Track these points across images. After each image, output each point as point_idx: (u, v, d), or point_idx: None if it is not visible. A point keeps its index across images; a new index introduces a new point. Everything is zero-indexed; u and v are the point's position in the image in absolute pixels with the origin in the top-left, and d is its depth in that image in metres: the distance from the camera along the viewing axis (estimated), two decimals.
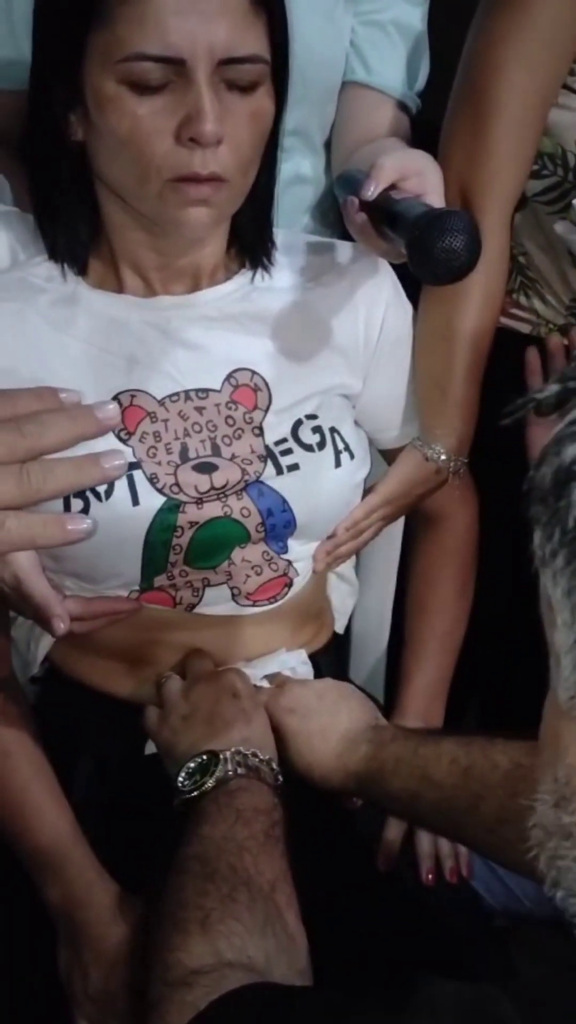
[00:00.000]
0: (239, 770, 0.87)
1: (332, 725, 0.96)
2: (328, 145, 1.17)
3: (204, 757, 0.89)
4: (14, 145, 1.02)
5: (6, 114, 1.04)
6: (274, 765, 0.90)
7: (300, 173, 1.16)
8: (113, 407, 0.57)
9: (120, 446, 0.94)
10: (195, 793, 0.87)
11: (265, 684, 1.02)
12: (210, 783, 0.87)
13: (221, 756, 0.88)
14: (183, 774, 0.89)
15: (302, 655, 1.06)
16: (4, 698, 1.02)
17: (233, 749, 0.89)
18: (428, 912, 0.97)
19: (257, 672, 1.02)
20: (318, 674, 1.07)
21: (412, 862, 1.04)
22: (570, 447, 0.41)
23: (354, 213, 0.95)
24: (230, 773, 0.87)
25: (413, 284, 1.07)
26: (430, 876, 1.04)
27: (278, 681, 1.02)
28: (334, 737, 0.96)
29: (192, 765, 0.89)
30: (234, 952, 0.73)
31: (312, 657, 1.07)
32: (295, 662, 1.05)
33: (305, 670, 1.06)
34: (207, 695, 0.96)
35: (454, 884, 1.04)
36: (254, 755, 0.89)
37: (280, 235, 1.02)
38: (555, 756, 0.46)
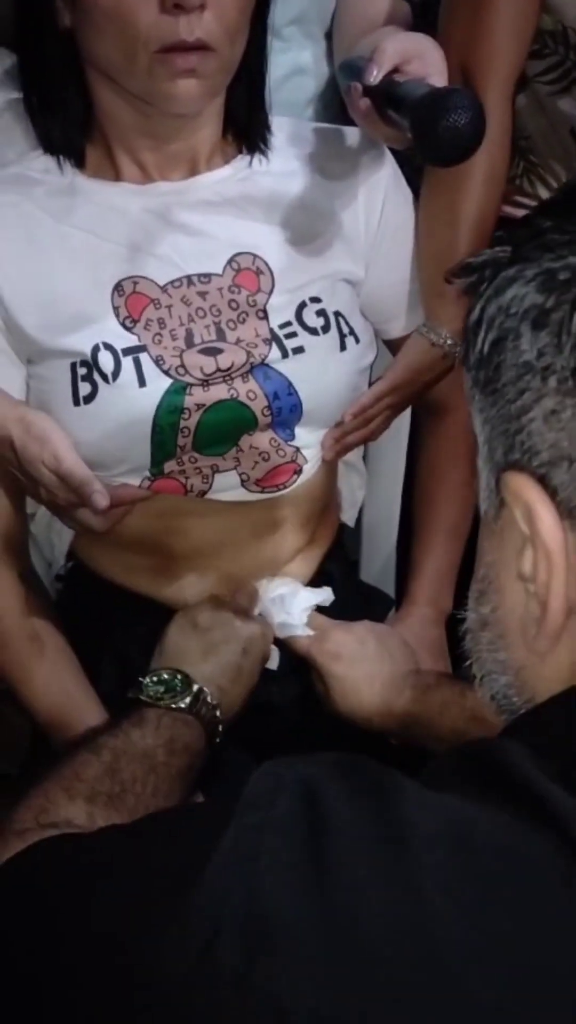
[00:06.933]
0: (202, 710, 0.92)
1: (377, 672, 1.01)
2: (329, 36, 1.16)
3: (180, 678, 0.94)
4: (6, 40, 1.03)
5: None
6: (218, 713, 0.94)
7: (300, 64, 1.15)
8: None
9: (125, 333, 0.96)
10: (145, 699, 0.92)
11: (273, 605, 1.04)
12: (164, 704, 0.91)
13: (194, 688, 0.93)
14: (154, 677, 0.94)
15: (327, 593, 1.07)
16: (27, 590, 1.05)
17: (207, 689, 0.93)
18: None
19: (269, 593, 1.05)
20: (327, 580, 1.09)
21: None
22: (479, 299, 0.49)
23: (358, 99, 0.95)
24: (190, 707, 0.92)
25: (416, 170, 1.07)
26: None
27: (317, 625, 1.05)
28: (378, 683, 1.01)
29: (166, 676, 0.94)
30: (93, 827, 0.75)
31: (322, 565, 1.10)
32: (318, 599, 1.07)
33: (325, 596, 1.07)
34: (217, 619, 1.00)
35: None
36: (212, 703, 0.94)
37: (286, 124, 1.03)
38: (479, 560, 0.52)
